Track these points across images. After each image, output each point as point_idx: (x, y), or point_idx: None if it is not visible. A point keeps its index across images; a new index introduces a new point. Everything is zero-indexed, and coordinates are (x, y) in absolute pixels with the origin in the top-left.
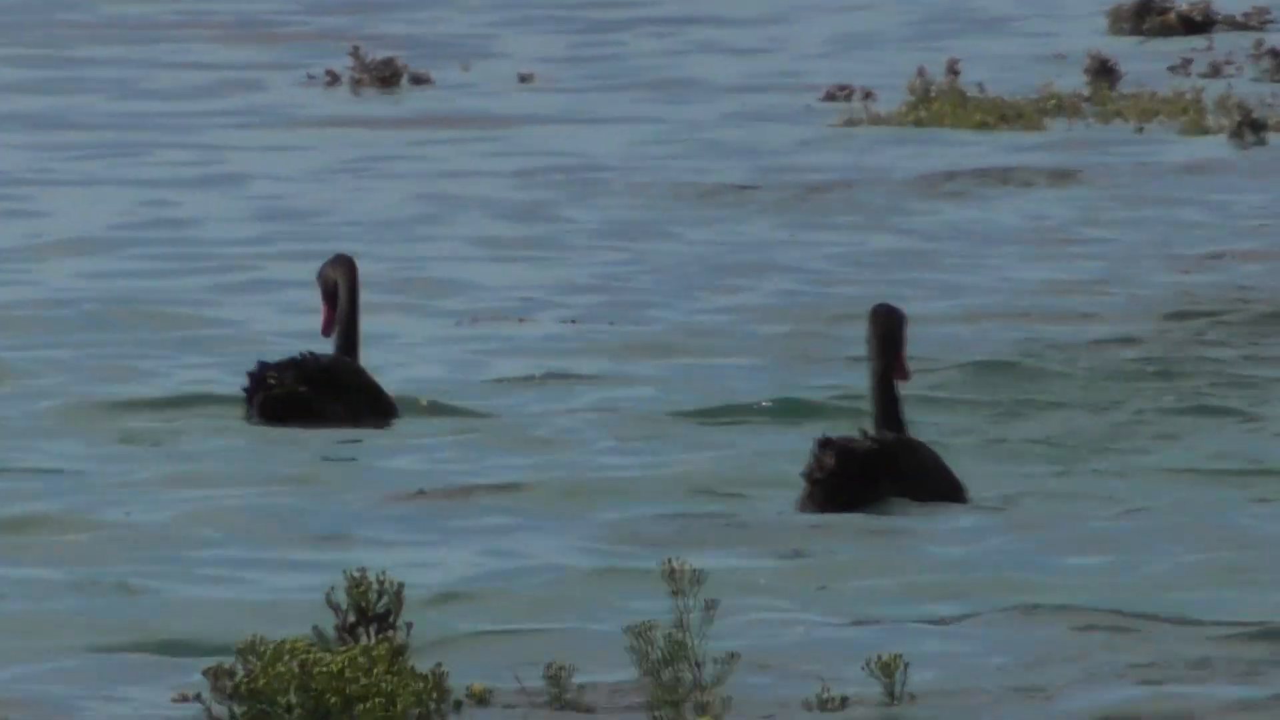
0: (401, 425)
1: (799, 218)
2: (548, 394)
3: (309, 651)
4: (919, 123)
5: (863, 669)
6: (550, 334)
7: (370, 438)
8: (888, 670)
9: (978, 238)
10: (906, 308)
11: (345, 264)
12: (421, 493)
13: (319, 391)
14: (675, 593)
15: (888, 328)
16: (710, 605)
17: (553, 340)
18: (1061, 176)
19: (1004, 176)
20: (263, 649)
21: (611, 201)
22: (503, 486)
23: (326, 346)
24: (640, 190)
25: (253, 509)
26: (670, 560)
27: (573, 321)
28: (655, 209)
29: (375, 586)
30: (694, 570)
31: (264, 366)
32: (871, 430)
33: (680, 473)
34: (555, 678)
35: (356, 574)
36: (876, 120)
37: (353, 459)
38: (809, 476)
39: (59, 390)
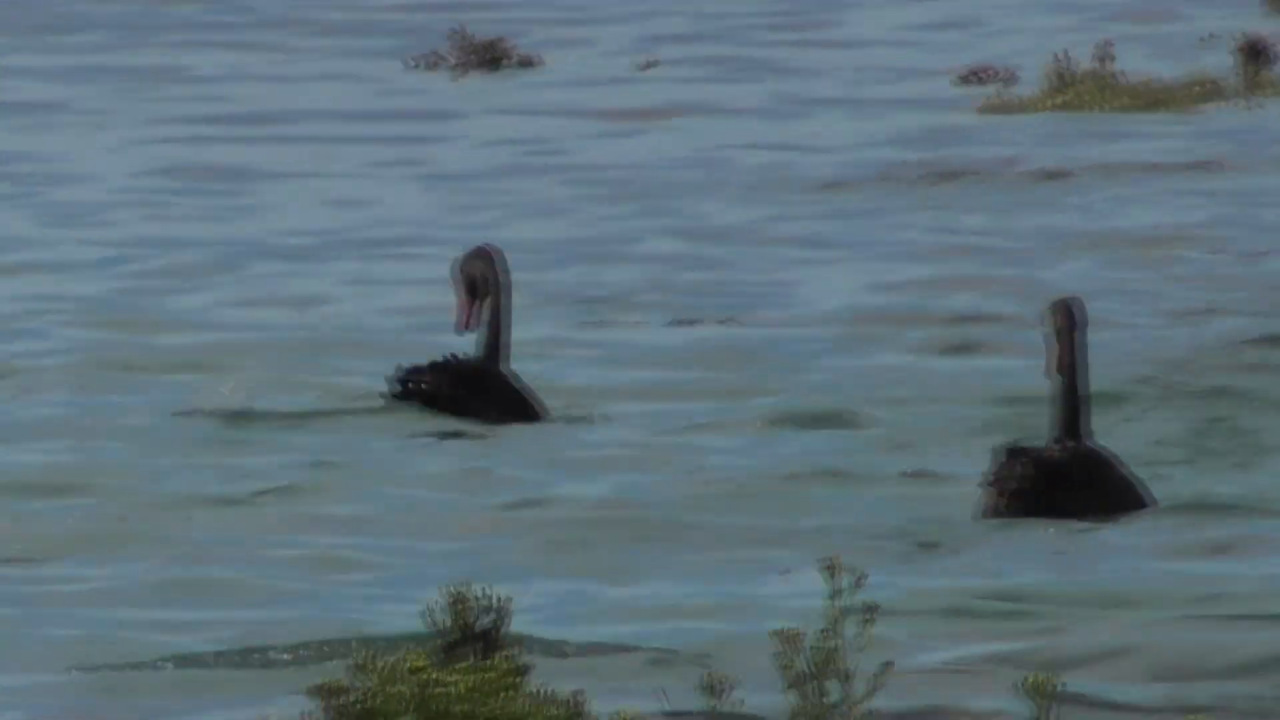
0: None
1: (945, 204)
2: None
3: (427, 670)
4: (1063, 107)
5: (1013, 690)
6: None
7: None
8: (1040, 691)
9: (1136, 229)
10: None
11: (490, 257)
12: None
13: (470, 395)
14: (833, 594)
15: (1070, 322)
16: (869, 610)
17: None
18: (1212, 165)
19: (1155, 164)
20: (380, 666)
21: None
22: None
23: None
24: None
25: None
26: (832, 558)
27: None
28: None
29: (478, 602)
30: (858, 571)
31: (410, 371)
32: (1051, 434)
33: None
34: (711, 688)
35: (456, 589)
36: (1018, 106)
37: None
38: (998, 486)
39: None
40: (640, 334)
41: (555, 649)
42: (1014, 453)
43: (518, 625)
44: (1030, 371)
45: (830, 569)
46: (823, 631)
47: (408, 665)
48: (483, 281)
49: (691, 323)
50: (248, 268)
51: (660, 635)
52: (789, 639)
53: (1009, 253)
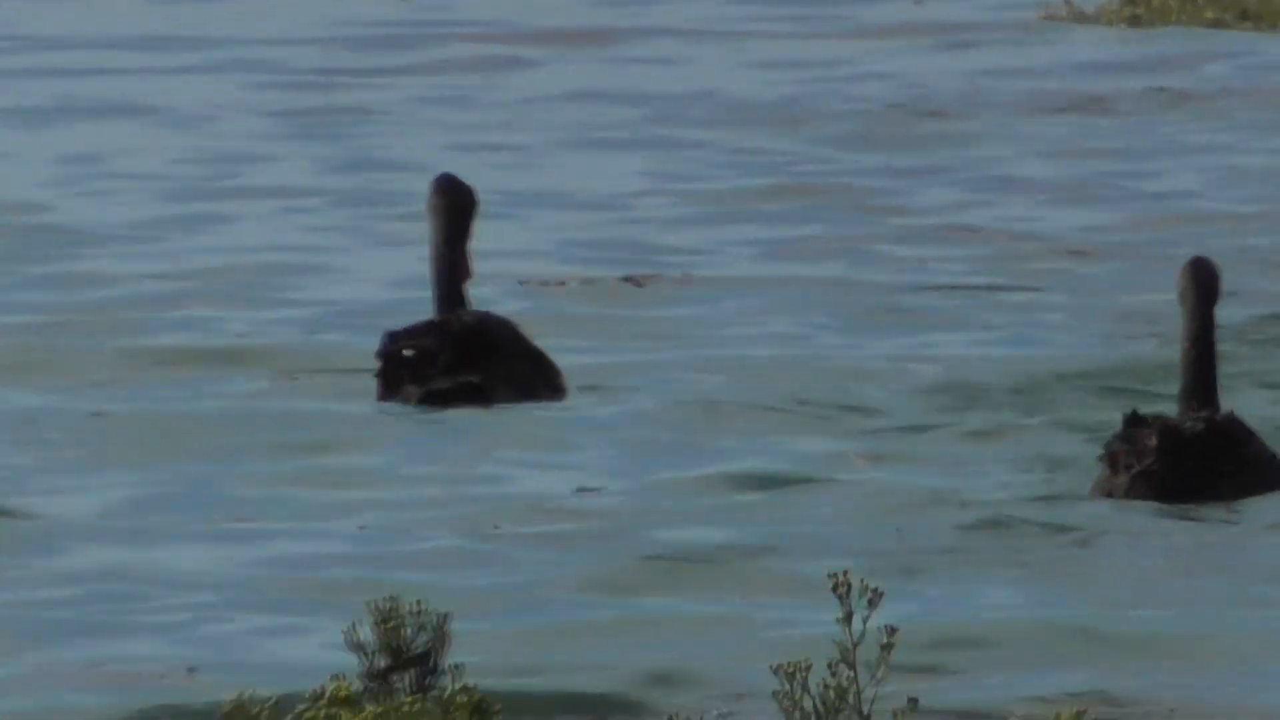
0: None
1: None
2: None
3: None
4: (1133, 21)
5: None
6: None
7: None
8: None
9: (1218, 166)
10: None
11: (432, 187)
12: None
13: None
14: (844, 616)
15: (1210, 284)
16: (890, 634)
17: None
18: None
19: (1247, 88)
20: (256, 712)
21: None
22: None
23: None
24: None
25: None
26: (840, 574)
27: None
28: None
29: (411, 619)
30: (870, 587)
31: (394, 337)
32: (1180, 406)
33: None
34: None
35: (385, 604)
36: (1081, 18)
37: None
38: (1120, 461)
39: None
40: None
41: (509, 675)
42: (1136, 421)
43: (463, 648)
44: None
45: (838, 586)
46: (833, 663)
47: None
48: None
49: None
50: None
51: (633, 659)
52: (793, 673)
53: None
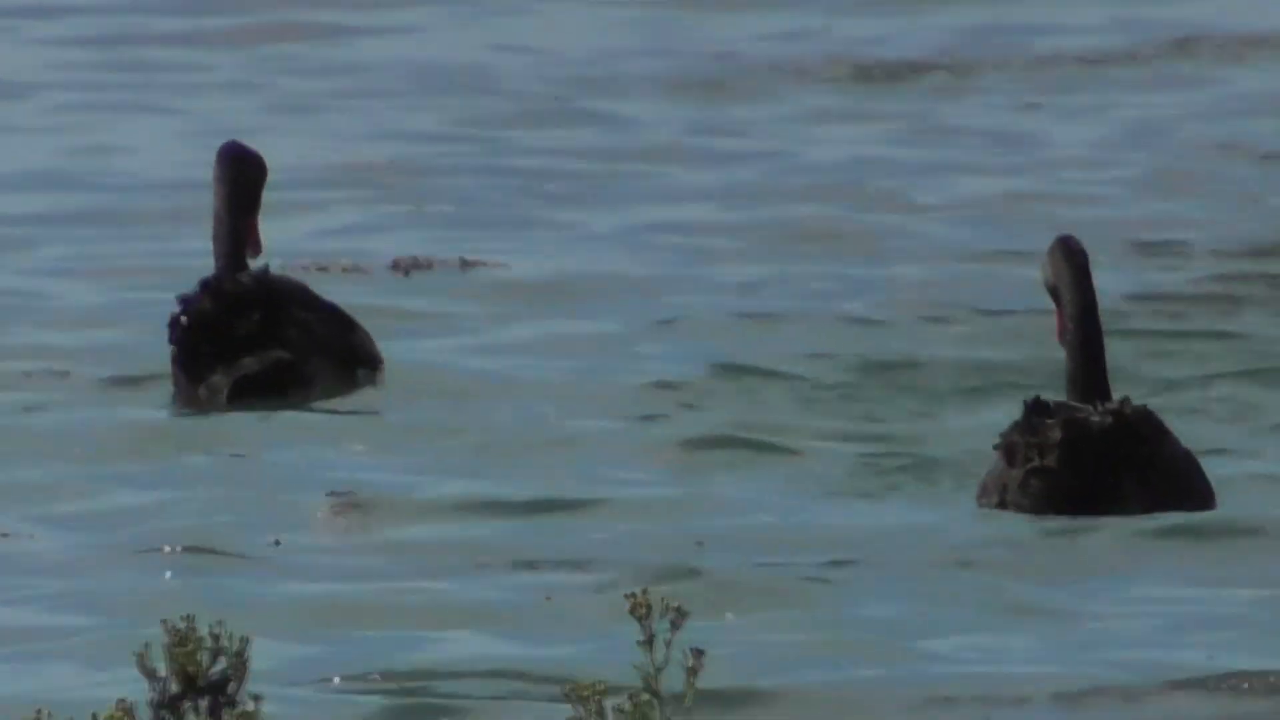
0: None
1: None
2: None
3: None
4: None
5: None
6: None
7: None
8: None
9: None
10: None
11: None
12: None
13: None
14: (645, 639)
15: (1085, 263)
16: (697, 656)
17: None
18: None
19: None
20: None
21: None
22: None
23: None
24: None
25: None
26: (637, 593)
27: None
28: None
29: (208, 642)
30: (672, 605)
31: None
32: (1068, 394)
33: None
34: None
35: (181, 625)
36: None
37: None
38: (1018, 454)
39: None
40: None
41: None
42: (1038, 408)
43: (264, 676)
44: None
45: (636, 607)
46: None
47: None
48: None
49: None
50: None
51: (428, 686)
52: (586, 697)
53: None
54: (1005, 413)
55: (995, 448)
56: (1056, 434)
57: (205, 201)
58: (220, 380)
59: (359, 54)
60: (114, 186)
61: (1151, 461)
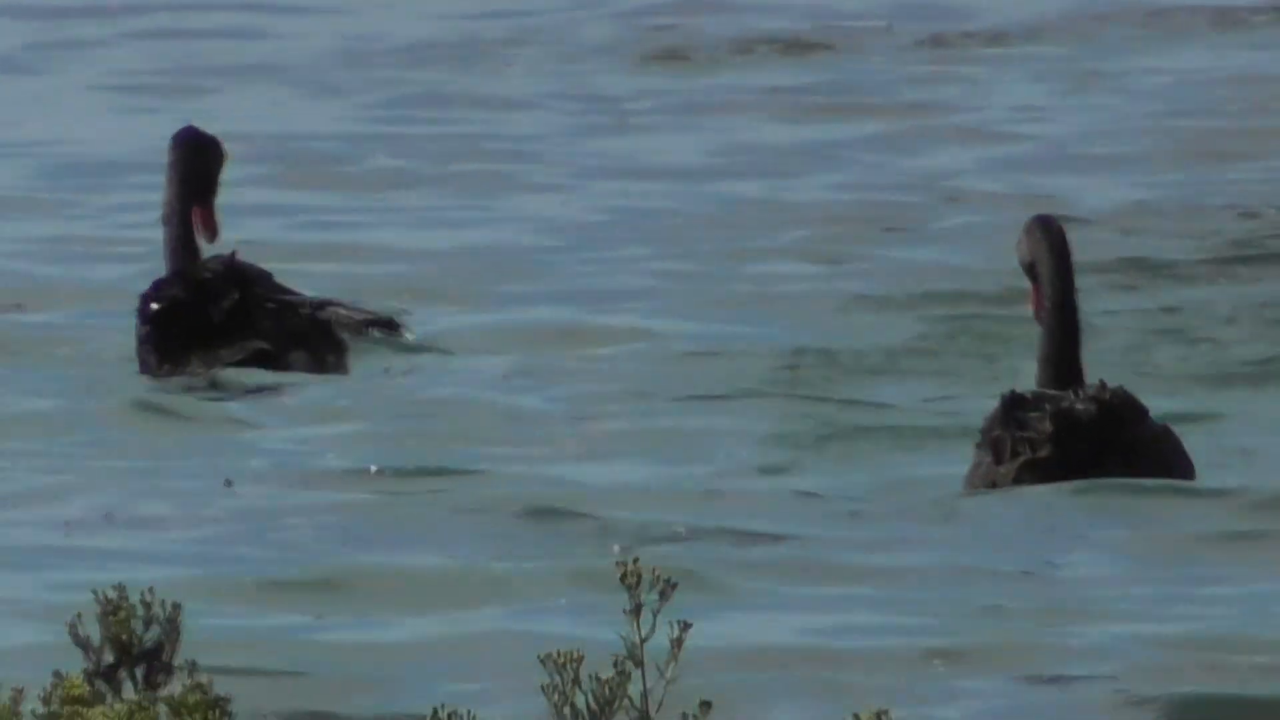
0: None
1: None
2: None
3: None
4: None
5: None
6: None
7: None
8: None
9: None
10: None
11: (175, 140)
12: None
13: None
14: (632, 607)
15: (1064, 243)
16: (683, 628)
17: None
18: None
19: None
20: None
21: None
22: None
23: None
24: None
25: None
26: (628, 562)
27: None
28: None
29: (141, 610)
30: (661, 575)
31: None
32: (1041, 374)
33: None
34: None
35: (113, 593)
36: None
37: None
38: (1006, 448)
39: None
40: None
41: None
42: (1017, 402)
43: (200, 643)
44: None
45: (626, 576)
46: (618, 659)
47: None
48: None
49: None
50: None
51: (381, 662)
52: (564, 664)
53: None
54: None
55: (977, 445)
56: (1048, 426)
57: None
58: (198, 371)
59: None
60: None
61: (1134, 445)
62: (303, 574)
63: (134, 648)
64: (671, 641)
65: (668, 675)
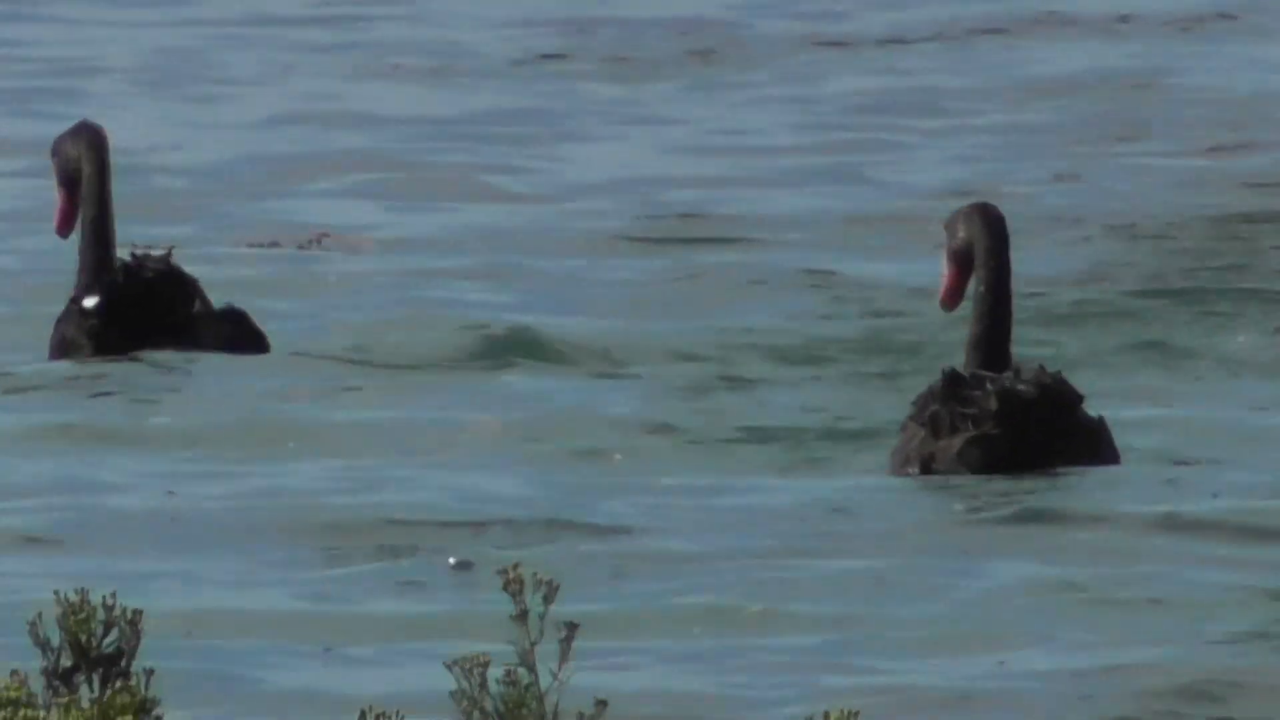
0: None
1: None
2: None
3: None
4: None
5: None
6: None
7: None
8: None
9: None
10: None
11: (91, 136)
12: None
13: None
14: (518, 613)
15: (1003, 229)
16: (569, 632)
17: None
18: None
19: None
20: None
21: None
22: None
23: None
24: None
25: None
26: (511, 568)
27: None
28: None
29: (100, 614)
30: (543, 579)
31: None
32: (969, 356)
33: None
34: None
35: (73, 596)
36: None
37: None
38: (944, 423)
39: None
40: None
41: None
42: (960, 379)
43: (157, 646)
44: None
45: (509, 583)
46: (511, 667)
47: None
48: (77, 170)
49: None
50: None
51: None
52: (470, 670)
53: None
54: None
55: (912, 418)
56: (992, 403)
57: None
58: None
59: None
60: None
61: (1071, 427)
62: None
63: (92, 650)
64: (560, 641)
65: (560, 676)
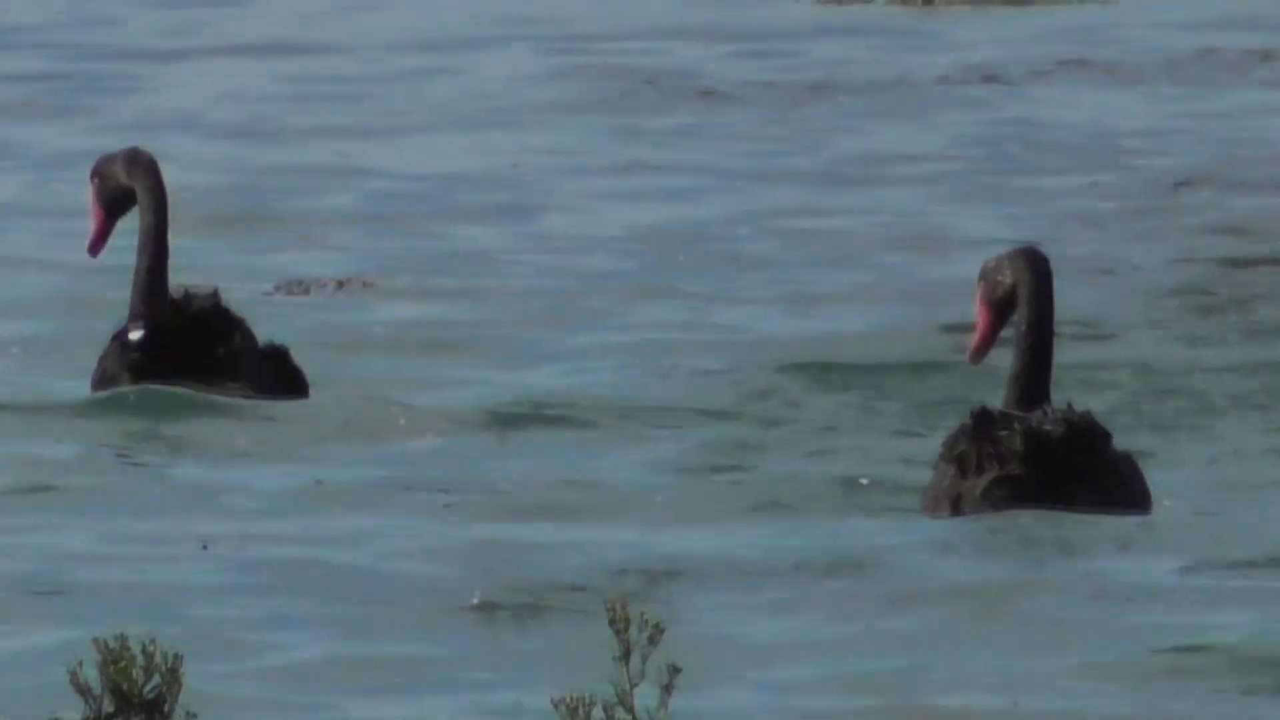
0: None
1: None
2: None
3: None
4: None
5: None
6: None
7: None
8: None
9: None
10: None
11: (148, 166)
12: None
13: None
14: (623, 652)
15: (1048, 272)
16: (674, 672)
17: None
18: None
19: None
20: None
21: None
22: None
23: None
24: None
25: None
26: (617, 603)
27: None
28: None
29: (141, 660)
30: (650, 619)
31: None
32: (1009, 392)
33: None
34: None
35: (114, 643)
36: None
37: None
38: (971, 463)
39: None
40: None
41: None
42: (987, 418)
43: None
44: None
45: (615, 620)
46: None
47: None
48: (126, 195)
49: None
50: None
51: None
52: (576, 708)
53: None
54: None
55: (942, 458)
56: (1018, 444)
57: None
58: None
59: None
60: None
61: (1101, 469)
62: None
63: (134, 697)
64: (662, 688)
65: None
